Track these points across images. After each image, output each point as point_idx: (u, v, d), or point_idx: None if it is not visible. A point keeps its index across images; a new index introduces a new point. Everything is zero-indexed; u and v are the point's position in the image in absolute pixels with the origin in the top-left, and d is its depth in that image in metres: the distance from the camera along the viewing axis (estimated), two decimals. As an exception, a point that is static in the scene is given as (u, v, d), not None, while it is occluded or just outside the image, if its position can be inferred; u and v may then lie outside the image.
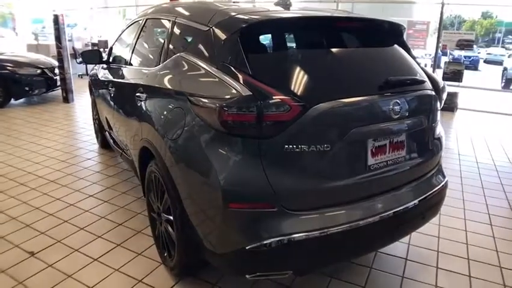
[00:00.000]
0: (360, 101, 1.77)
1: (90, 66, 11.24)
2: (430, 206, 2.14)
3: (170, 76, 2.16)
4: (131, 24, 3.50)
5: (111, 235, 2.76)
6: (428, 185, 2.12)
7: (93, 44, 11.40)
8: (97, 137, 4.83)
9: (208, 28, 1.96)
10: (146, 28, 2.98)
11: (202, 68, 1.87)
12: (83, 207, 3.17)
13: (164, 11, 2.65)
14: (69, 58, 7.51)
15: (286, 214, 1.63)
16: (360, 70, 1.92)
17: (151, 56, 2.75)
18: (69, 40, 9.18)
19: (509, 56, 15.21)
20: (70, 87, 7.46)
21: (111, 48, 3.91)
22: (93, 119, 4.86)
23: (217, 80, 1.75)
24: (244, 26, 1.79)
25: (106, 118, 3.88)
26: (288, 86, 1.67)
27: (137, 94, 2.50)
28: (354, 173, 1.78)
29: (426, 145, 2.13)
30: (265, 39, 1.75)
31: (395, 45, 2.21)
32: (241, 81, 1.66)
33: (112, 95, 3.32)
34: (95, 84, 4.32)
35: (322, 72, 1.80)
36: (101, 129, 4.46)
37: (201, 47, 2.01)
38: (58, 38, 7.13)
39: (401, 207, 1.89)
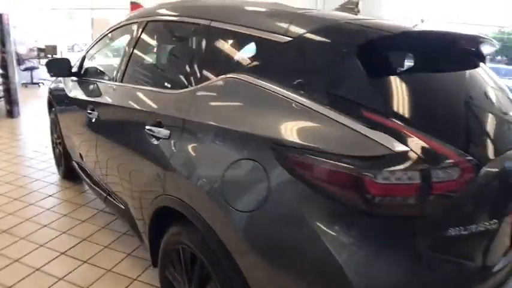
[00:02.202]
0: None
1: (36, 74, 9.98)
2: None
3: (225, 107, 1.45)
4: (117, 28, 2.72)
5: (104, 322, 1.96)
6: None
7: (40, 49, 10.15)
8: (58, 166, 3.90)
9: (291, 39, 1.31)
10: (149, 34, 2.24)
11: (292, 100, 1.21)
12: (55, 273, 2.31)
13: (186, 12, 1.92)
14: (14, 64, 6.39)
15: None
16: (499, 110, 1.38)
17: (167, 73, 2.03)
18: (12, 44, 7.94)
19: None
20: (15, 98, 6.33)
21: (83, 58, 3.09)
22: (53, 142, 3.93)
23: (330, 121, 1.10)
24: (369, 39, 1.17)
25: (78, 146, 3.05)
26: (447, 135, 1.08)
27: (150, 128, 1.76)
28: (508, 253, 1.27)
29: None
30: (397, 61, 1.15)
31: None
32: (381, 127, 1.04)
33: (94, 120, 2.51)
34: (60, 101, 3.45)
35: (477, 114, 1.24)
36: (66, 158, 3.56)
37: (279, 66, 1.35)
38: (1, 41, 5.99)
39: None
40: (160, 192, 1.67)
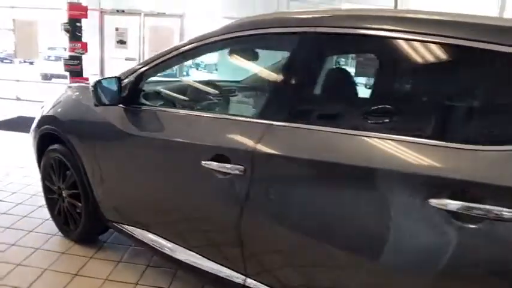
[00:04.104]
0: None
1: None
2: None
3: None
4: (223, 40, 1.90)
5: None
6: None
7: None
8: (65, 226, 2.74)
9: None
10: (353, 52, 1.60)
11: None
12: None
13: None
14: None
15: None
16: None
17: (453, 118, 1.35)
18: None
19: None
20: None
21: (140, 76, 2.17)
22: (52, 192, 2.77)
23: None
24: None
25: (141, 204, 2.14)
26: None
27: (455, 208, 1.09)
28: None
29: None
30: None
31: None
32: None
33: (226, 180, 1.61)
34: (90, 138, 2.40)
35: None
36: (91, 216, 2.50)
37: None
38: None
39: None
40: None
